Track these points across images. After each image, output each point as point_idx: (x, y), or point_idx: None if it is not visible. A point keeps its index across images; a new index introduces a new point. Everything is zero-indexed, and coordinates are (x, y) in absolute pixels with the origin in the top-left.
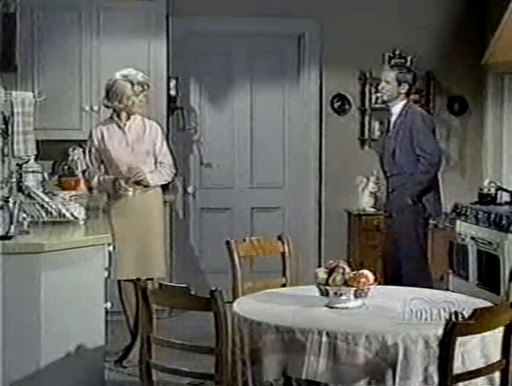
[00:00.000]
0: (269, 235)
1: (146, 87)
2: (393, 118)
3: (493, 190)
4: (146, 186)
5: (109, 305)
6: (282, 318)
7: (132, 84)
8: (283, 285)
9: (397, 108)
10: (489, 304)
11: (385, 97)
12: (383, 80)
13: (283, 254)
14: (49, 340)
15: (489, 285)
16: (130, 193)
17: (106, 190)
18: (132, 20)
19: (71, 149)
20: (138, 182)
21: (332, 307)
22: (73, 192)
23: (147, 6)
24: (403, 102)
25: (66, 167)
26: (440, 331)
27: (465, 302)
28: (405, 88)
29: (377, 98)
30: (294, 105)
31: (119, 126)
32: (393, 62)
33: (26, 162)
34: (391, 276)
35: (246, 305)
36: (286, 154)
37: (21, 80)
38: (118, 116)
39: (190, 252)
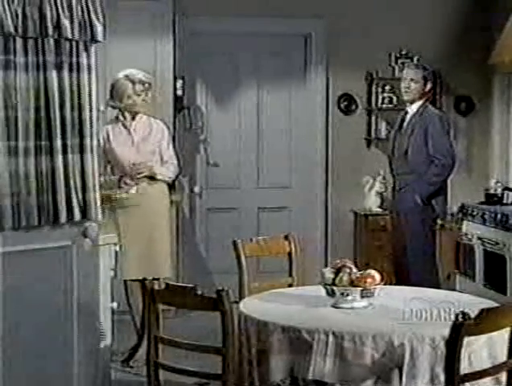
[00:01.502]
0: (275, 235)
1: (147, 86)
2: (408, 117)
3: (499, 191)
4: (152, 179)
5: (115, 304)
6: (289, 318)
7: (133, 84)
8: (290, 285)
9: (413, 108)
10: (495, 304)
11: (408, 96)
12: (407, 79)
13: (290, 254)
14: None
15: (495, 285)
16: (133, 191)
17: (112, 189)
18: (138, 20)
19: None
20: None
21: (338, 307)
22: None
23: (153, 6)
24: (420, 102)
25: None
26: (447, 331)
27: (469, 303)
28: (428, 86)
29: (383, 98)
30: (300, 105)
31: (124, 126)
32: (414, 61)
33: None
34: (399, 275)
35: (253, 305)
36: (293, 154)
37: None
38: (123, 116)
39: (196, 252)
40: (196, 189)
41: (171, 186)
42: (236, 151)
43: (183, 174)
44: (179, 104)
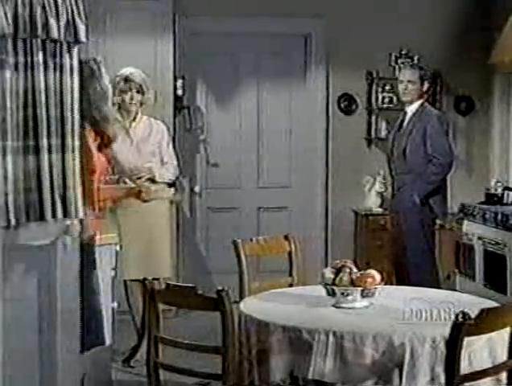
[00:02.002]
0: (275, 235)
1: (135, 85)
2: (407, 117)
3: (499, 190)
4: (153, 181)
5: (115, 304)
6: (289, 317)
7: (119, 82)
8: (290, 285)
9: (412, 108)
10: (495, 304)
11: (406, 98)
12: (404, 80)
13: (290, 254)
14: None
15: (495, 285)
16: (153, 188)
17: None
18: (138, 20)
19: None
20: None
21: (338, 307)
22: None
23: (153, 5)
24: (420, 101)
25: None
26: (447, 331)
27: (470, 303)
28: (425, 86)
29: (383, 98)
30: (300, 105)
31: (123, 126)
32: (414, 61)
33: None
34: (399, 275)
35: (253, 305)
36: (293, 154)
37: None
38: (122, 116)
39: (197, 252)
40: (197, 189)
41: (171, 186)
42: (236, 151)
43: (184, 174)
44: (179, 104)
